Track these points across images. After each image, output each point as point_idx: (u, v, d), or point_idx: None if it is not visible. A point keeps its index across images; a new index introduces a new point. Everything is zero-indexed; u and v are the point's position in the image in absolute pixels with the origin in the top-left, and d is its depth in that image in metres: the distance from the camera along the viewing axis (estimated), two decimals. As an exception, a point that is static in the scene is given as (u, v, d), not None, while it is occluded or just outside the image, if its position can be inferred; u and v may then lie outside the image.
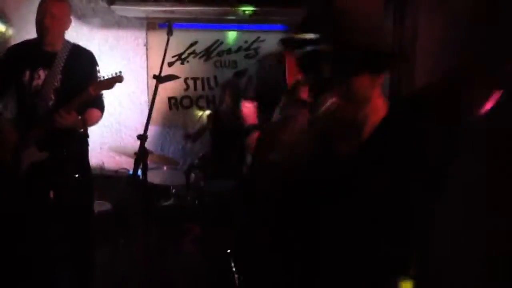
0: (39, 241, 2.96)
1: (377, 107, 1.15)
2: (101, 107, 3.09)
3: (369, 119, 1.14)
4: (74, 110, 2.82)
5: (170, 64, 4.95)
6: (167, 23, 4.50)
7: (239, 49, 5.05)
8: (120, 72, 2.90)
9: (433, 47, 2.78)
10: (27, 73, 2.88)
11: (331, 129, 1.18)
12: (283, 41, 1.27)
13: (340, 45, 1.05)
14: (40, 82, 2.89)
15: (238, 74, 5.01)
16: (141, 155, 2.09)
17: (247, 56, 5.06)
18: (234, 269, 2.65)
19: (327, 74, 1.08)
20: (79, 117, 2.85)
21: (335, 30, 1.07)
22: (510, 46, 1.97)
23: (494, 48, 2.07)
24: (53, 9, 2.86)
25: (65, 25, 2.97)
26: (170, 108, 5.09)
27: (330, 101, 1.08)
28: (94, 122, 3.09)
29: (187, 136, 4.51)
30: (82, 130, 2.91)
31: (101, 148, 4.73)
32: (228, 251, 3.43)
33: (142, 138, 2.12)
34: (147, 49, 4.99)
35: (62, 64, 2.92)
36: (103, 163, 4.74)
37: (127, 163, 4.71)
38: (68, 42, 3.01)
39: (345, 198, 1.12)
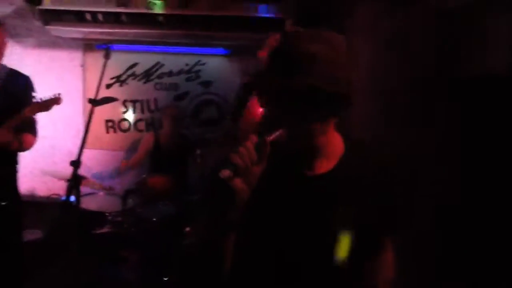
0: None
1: (333, 140, 1.26)
2: (34, 132, 2.99)
3: (324, 149, 1.23)
4: (9, 130, 2.69)
5: (108, 86, 4.84)
6: (104, 45, 4.43)
7: (180, 71, 5.01)
8: (59, 94, 2.80)
9: (368, 69, 2.87)
10: None
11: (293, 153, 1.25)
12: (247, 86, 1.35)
13: (305, 89, 1.09)
14: None
15: (179, 97, 4.97)
16: (74, 182, 1.99)
17: (188, 79, 5.02)
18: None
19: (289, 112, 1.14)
20: (15, 137, 2.76)
21: (299, 73, 1.09)
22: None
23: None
24: None
25: (2, 50, 2.84)
26: (107, 131, 4.95)
27: (277, 133, 1.14)
28: (28, 147, 2.98)
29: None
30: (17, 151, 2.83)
31: (32, 173, 4.49)
32: (165, 279, 3.35)
33: (75, 164, 2.02)
34: (83, 70, 4.86)
35: None
36: (34, 188, 4.51)
37: (60, 189, 4.51)
38: (4, 66, 2.88)
39: (313, 213, 1.22)
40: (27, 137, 2.92)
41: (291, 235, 1.21)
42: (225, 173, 1.05)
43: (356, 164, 1.25)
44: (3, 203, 2.85)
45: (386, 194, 1.27)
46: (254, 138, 1.12)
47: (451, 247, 2.22)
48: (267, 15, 4.10)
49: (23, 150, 2.95)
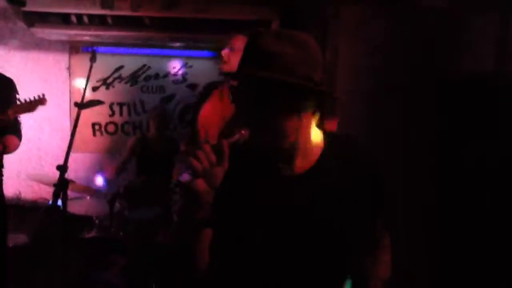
0: None
1: (312, 137, 1.24)
2: (19, 135, 2.95)
3: (303, 147, 1.22)
4: None
5: (95, 89, 4.81)
6: (90, 47, 4.40)
7: (166, 74, 5.00)
8: (43, 94, 2.78)
9: (352, 71, 2.89)
10: None
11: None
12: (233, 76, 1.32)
13: (277, 85, 1.11)
14: None
15: (166, 100, 4.96)
16: (60, 187, 1.98)
17: (175, 82, 5.01)
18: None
19: (255, 109, 1.14)
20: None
21: (266, 69, 1.11)
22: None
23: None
24: None
25: None
26: (94, 134, 4.93)
27: (240, 133, 1.14)
28: (12, 150, 2.95)
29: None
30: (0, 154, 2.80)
31: (18, 177, 4.45)
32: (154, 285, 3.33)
33: (62, 168, 2.00)
34: (69, 73, 4.83)
35: None
36: (20, 192, 4.47)
37: (47, 193, 4.47)
38: None
39: (298, 214, 1.21)
40: (11, 139, 2.89)
41: (273, 240, 1.21)
42: (184, 177, 1.07)
43: (337, 157, 1.24)
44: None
45: (374, 183, 1.27)
46: (212, 141, 1.14)
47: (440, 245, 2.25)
48: (253, 18, 4.11)
49: (7, 153, 2.92)
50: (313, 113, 1.20)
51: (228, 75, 2.67)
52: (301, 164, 1.23)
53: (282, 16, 3.86)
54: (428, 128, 2.21)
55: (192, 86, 5.02)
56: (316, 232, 1.20)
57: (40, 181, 4.25)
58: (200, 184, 1.09)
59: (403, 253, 1.57)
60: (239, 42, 2.39)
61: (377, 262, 1.36)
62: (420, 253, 2.35)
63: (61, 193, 2.19)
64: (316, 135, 1.26)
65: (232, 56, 2.44)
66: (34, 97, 2.78)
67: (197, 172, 1.07)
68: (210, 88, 2.90)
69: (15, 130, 2.91)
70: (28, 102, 2.78)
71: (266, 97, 1.13)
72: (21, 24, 4.55)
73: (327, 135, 1.29)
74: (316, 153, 1.25)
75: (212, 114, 2.72)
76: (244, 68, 1.16)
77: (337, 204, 1.21)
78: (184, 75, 5.02)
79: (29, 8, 4.11)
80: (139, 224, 3.59)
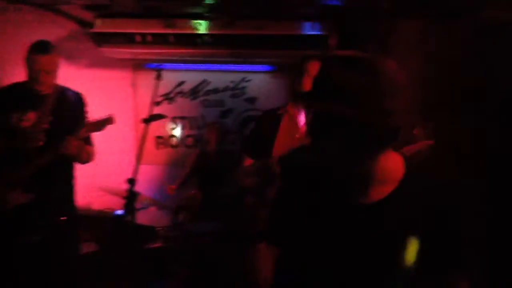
0: (24, 284, 2.91)
1: (389, 164, 1.16)
2: (93, 145, 3.12)
3: (379, 174, 1.15)
4: (79, 140, 2.82)
5: (157, 103, 4.99)
6: (154, 64, 4.59)
7: (225, 88, 5.13)
8: (111, 114, 2.91)
9: (412, 85, 2.86)
10: (16, 115, 2.87)
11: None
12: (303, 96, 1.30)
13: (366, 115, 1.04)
14: (29, 123, 2.88)
15: (224, 114, 5.08)
16: (130, 199, 2.09)
17: (233, 96, 5.13)
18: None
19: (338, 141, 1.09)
20: (85, 147, 2.90)
21: (333, 100, 1.06)
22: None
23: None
24: (46, 66, 2.85)
25: (57, 72, 2.98)
26: (157, 147, 5.10)
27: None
28: (92, 159, 3.13)
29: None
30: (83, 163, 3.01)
31: (87, 188, 4.68)
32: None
33: (131, 181, 2.12)
34: (133, 89, 5.03)
35: (51, 106, 2.92)
36: (89, 203, 4.69)
37: (114, 203, 4.68)
38: (58, 85, 3.03)
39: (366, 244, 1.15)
40: (91, 149, 3.08)
41: (349, 270, 1.15)
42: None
43: (417, 189, 1.15)
44: (63, 218, 3.01)
45: (451, 223, 1.15)
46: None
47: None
48: (311, 33, 4.16)
49: (89, 161, 3.10)
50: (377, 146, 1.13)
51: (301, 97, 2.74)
52: (377, 191, 1.16)
53: (341, 31, 3.89)
54: (493, 148, 2.15)
55: (251, 100, 5.12)
56: (381, 265, 1.14)
57: (108, 192, 4.48)
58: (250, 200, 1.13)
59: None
60: (314, 67, 2.48)
61: None
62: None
63: (130, 205, 2.32)
64: (394, 161, 1.18)
65: (306, 80, 2.54)
66: (103, 117, 2.90)
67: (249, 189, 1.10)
68: (274, 114, 2.99)
69: (90, 141, 3.09)
70: (98, 121, 2.91)
71: (332, 127, 1.08)
72: (89, 44, 4.82)
73: (407, 160, 1.20)
74: (395, 180, 1.17)
75: (284, 137, 2.82)
76: (309, 98, 1.15)
77: (411, 236, 1.12)
78: (242, 89, 5.12)
79: (97, 29, 4.38)
80: (200, 237, 3.69)
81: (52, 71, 2.90)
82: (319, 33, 4.14)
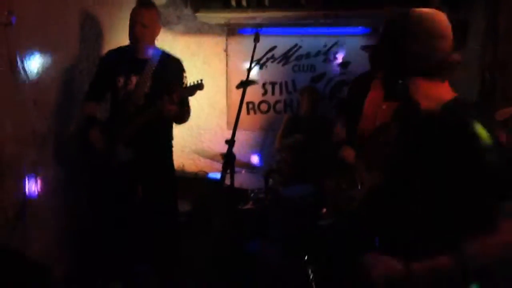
0: (127, 233, 3.16)
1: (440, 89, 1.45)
2: (189, 107, 3.23)
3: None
4: (175, 103, 2.93)
5: (249, 70, 5.01)
6: (246, 29, 4.61)
7: (317, 53, 5.04)
8: (201, 80, 2.96)
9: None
10: (122, 78, 3.05)
11: None
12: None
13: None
14: (132, 87, 3.04)
15: (316, 79, 5.01)
16: (229, 159, 2.12)
17: (325, 60, 5.03)
18: (311, 275, 2.65)
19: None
20: (181, 109, 3.02)
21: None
22: None
23: None
24: (143, 19, 3.00)
25: (155, 32, 3.11)
26: (248, 112, 5.15)
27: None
28: (187, 119, 3.26)
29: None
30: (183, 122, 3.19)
31: (182, 151, 4.87)
32: (306, 257, 3.43)
33: (230, 143, 2.15)
34: (226, 54, 5.10)
35: (152, 71, 3.06)
36: (183, 165, 4.89)
37: (206, 166, 4.84)
38: (158, 49, 3.14)
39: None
40: (188, 109, 3.21)
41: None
42: None
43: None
44: (162, 175, 3.19)
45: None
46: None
47: None
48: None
49: (185, 121, 3.25)
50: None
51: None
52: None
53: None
54: None
55: (343, 64, 5.00)
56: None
57: (201, 155, 4.63)
58: None
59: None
60: None
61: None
62: None
63: (229, 166, 2.35)
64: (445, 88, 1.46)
65: None
66: (194, 82, 2.96)
67: None
68: (365, 80, 2.89)
69: (187, 103, 3.21)
70: (189, 87, 2.98)
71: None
72: (186, 11, 4.93)
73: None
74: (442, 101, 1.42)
75: (371, 105, 2.73)
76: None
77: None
78: (335, 53, 5.01)
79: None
80: (292, 201, 3.71)
81: (148, 26, 3.02)
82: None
